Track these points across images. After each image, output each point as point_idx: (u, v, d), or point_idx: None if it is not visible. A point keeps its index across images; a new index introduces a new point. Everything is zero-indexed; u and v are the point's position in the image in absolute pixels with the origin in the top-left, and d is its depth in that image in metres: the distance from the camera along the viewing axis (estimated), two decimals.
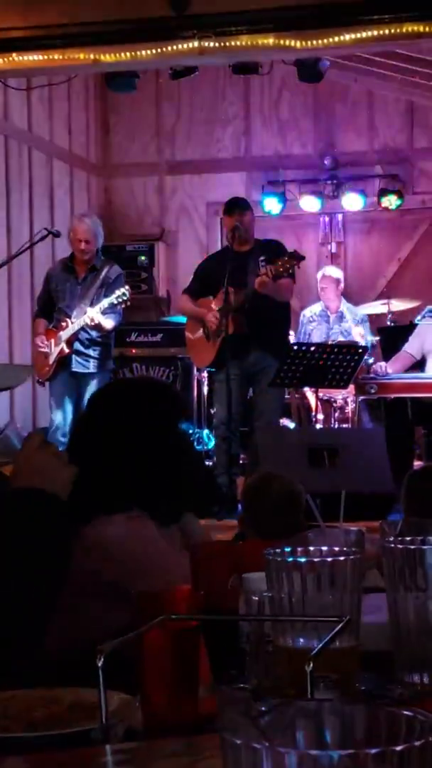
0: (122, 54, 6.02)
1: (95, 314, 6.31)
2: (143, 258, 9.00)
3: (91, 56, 6.05)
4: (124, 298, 6.41)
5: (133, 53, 6.00)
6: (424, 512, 2.65)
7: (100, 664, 1.19)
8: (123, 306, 6.49)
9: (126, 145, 9.45)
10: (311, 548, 1.37)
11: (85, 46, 6.04)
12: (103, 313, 6.36)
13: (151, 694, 1.30)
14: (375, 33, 5.72)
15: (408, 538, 1.39)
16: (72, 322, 6.39)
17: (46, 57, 6.11)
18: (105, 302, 6.37)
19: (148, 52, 5.99)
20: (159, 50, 5.98)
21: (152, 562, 2.01)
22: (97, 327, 6.38)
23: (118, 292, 6.40)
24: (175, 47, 5.95)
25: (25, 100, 8.18)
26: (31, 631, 1.74)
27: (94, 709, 1.27)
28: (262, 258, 6.23)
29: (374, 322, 7.99)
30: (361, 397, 6.68)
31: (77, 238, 6.52)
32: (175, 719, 1.28)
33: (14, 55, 6.06)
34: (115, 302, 6.38)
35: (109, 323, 6.42)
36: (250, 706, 0.63)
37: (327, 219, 9.12)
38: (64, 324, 6.42)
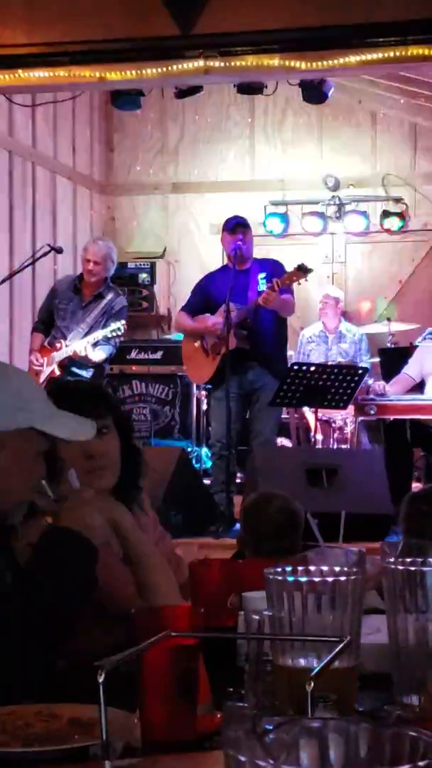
0: (128, 72, 6.05)
1: (83, 347, 6.32)
2: (145, 276, 9.01)
3: (97, 74, 6.08)
4: (119, 333, 6.39)
5: (138, 71, 6.03)
6: (423, 534, 2.65)
7: (100, 680, 1.18)
8: (118, 339, 6.48)
9: (130, 164, 9.48)
10: (312, 568, 1.37)
11: (90, 64, 6.07)
12: (96, 344, 6.36)
13: (151, 710, 1.30)
14: (380, 55, 5.75)
15: (408, 560, 1.39)
16: (66, 345, 6.39)
17: (51, 74, 6.13)
18: (99, 334, 6.36)
19: (154, 70, 6.03)
20: (164, 69, 6.01)
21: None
22: (84, 359, 6.38)
23: (113, 326, 6.37)
24: (180, 66, 5.98)
25: (30, 117, 8.22)
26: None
27: (93, 725, 1.27)
28: (262, 275, 6.26)
29: (374, 343, 8.00)
30: (361, 418, 6.68)
31: (86, 257, 6.52)
32: (174, 736, 1.28)
33: (20, 71, 6.09)
34: (109, 336, 6.38)
35: (98, 355, 6.41)
36: (255, 723, 0.64)
37: (329, 240, 9.14)
38: (58, 345, 6.42)
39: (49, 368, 6.41)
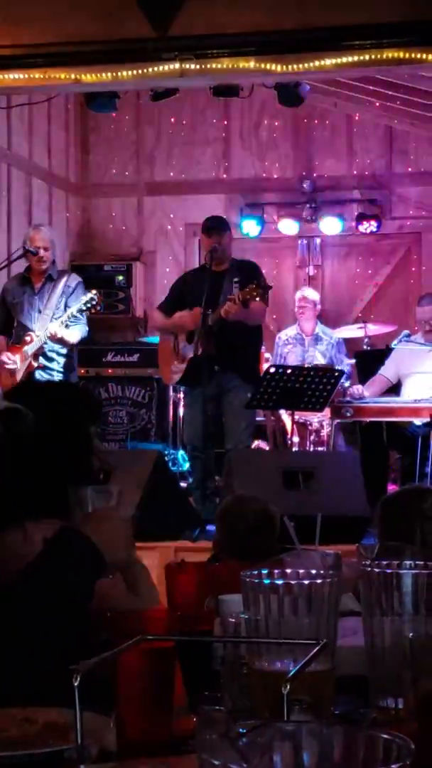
0: (103, 74, 6.03)
1: (57, 328, 6.25)
2: (121, 278, 8.99)
3: (72, 76, 6.06)
4: (93, 302, 6.27)
5: (114, 74, 6.02)
6: (398, 537, 2.66)
7: (75, 684, 1.18)
8: (91, 312, 6.37)
9: (105, 165, 9.47)
10: (288, 571, 1.37)
11: (66, 66, 6.05)
12: (68, 325, 6.29)
13: (126, 714, 1.30)
14: (355, 58, 5.77)
15: (385, 562, 1.40)
16: (36, 336, 6.32)
17: (26, 75, 6.11)
18: (73, 309, 6.29)
19: (129, 72, 6.01)
20: (140, 71, 6.00)
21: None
22: (60, 341, 6.30)
23: (84, 298, 6.28)
24: (156, 68, 5.97)
25: (5, 119, 8.18)
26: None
27: (68, 729, 1.26)
28: (236, 279, 6.23)
29: (350, 345, 8.02)
30: (337, 421, 6.70)
31: (35, 245, 6.45)
32: (149, 740, 1.27)
33: None
34: (84, 308, 6.29)
35: (73, 336, 6.31)
36: (228, 727, 0.63)
37: (305, 242, 9.16)
38: (28, 338, 6.34)
39: (25, 363, 6.35)
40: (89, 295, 6.30)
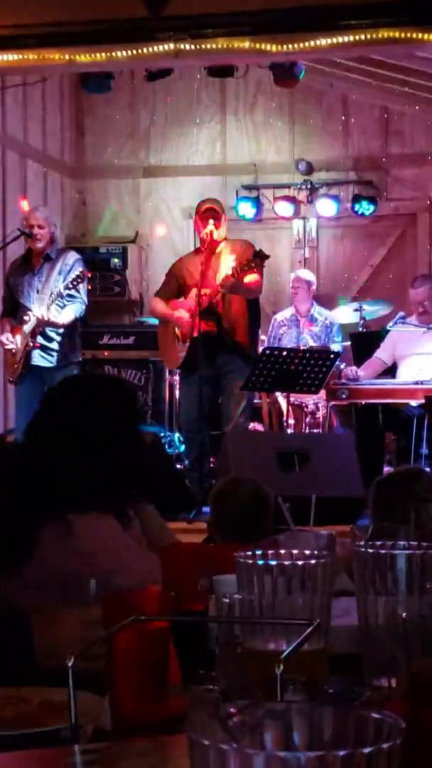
0: (97, 54, 6.01)
1: (44, 312, 6.25)
2: (117, 261, 8.97)
3: (66, 56, 6.04)
4: (78, 280, 6.23)
5: (108, 54, 5.99)
6: (392, 518, 2.66)
7: (69, 664, 1.18)
8: (81, 284, 6.31)
9: (100, 147, 9.43)
10: (282, 551, 1.37)
11: (60, 46, 6.02)
12: (64, 305, 6.28)
13: (121, 694, 1.30)
14: (351, 38, 5.74)
15: (378, 543, 1.40)
16: (34, 315, 6.32)
17: (20, 56, 6.08)
18: (60, 287, 6.27)
19: (124, 53, 5.99)
20: (134, 51, 5.98)
21: (119, 560, 2.02)
22: (50, 324, 6.31)
23: (71, 276, 6.30)
24: (150, 49, 5.95)
25: None
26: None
27: (63, 709, 1.27)
28: (231, 258, 6.25)
29: (346, 327, 8.02)
30: (332, 402, 6.70)
31: (30, 224, 6.44)
32: (144, 719, 1.28)
33: None
34: (70, 286, 6.26)
35: (65, 317, 6.29)
36: (218, 707, 0.63)
37: (300, 224, 9.14)
38: (26, 318, 6.35)
39: (23, 343, 6.35)
40: (75, 273, 6.30)
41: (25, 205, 7.69)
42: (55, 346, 6.37)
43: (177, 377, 7.29)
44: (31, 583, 1.99)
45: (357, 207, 8.83)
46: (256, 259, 6.07)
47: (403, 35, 5.73)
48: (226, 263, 6.23)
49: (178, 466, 6.77)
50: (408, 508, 2.68)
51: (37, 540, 2.01)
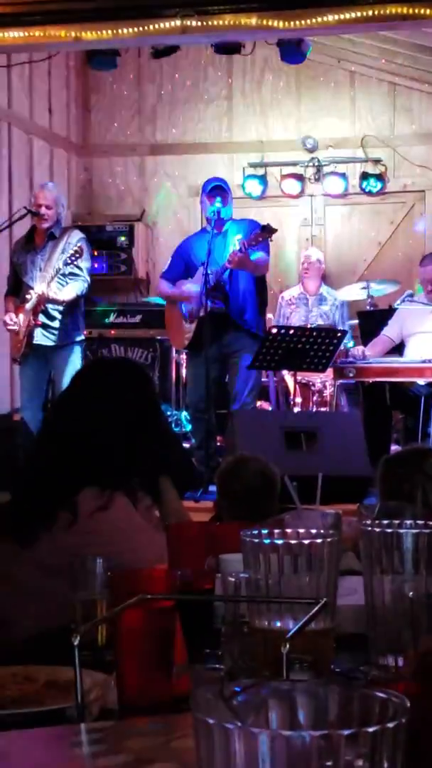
0: (103, 32, 5.97)
1: (44, 288, 6.24)
2: (123, 239, 8.95)
3: (72, 33, 6.00)
4: (77, 256, 6.21)
5: (114, 31, 5.96)
6: (399, 497, 2.66)
7: (75, 643, 1.18)
8: (80, 260, 6.26)
9: (107, 125, 9.39)
10: (288, 530, 1.37)
11: (66, 23, 5.99)
12: (65, 282, 6.27)
13: (127, 673, 1.30)
14: (358, 14, 5.70)
15: (385, 522, 1.39)
16: (35, 293, 6.31)
17: (26, 34, 6.05)
18: (59, 265, 6.26)
19: (130, 30, 5.95)
20: (140, 28, 5.94)
21: (127, 539, 2.02)
22: (51, 301, 6.29)
23: (71, 251, 6.29)
24: (156, 26, 5.91)
25: (5, 78, 8.11)
26: None
27: (69, 688, 1.27)
28: (238, 237, 6.24)
29: (353, 305, 8.00)
30: (340, 381, 6.69)
31: (38, 203, 6.42)
32: (150, 698, 1.28)
33: None
34: (69, 261, 6.25)
35: (66, 294, 6.28)
36: (223, 686, 0.63)
37: (308, 202, 9.11)
38: (28, 297, 6.34)
39: (25, 321, 6.34)
40: (72, 249, 6.28)
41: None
42: (56, 324, 6.35)
43: (183, 356, 7.29)
44: (42, 564, 2.00)
45: (364, 185, 8.80)
46: (264, 232, 6.06)
47: (411, 11, 5.69)
48: (233, 242, 6.21)
49: (185, 444, 6.77)
50: (415, 487, 2.68)
51: (51, 520, 2.03)
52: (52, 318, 6.35)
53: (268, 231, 6.09)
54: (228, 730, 0.59)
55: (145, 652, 1.30)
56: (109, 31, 5.98)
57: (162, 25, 5.90)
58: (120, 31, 5.96)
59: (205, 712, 0.61)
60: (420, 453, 2.97)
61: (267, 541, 1.33)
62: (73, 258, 6.24)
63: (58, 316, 6.35)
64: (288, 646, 1.14)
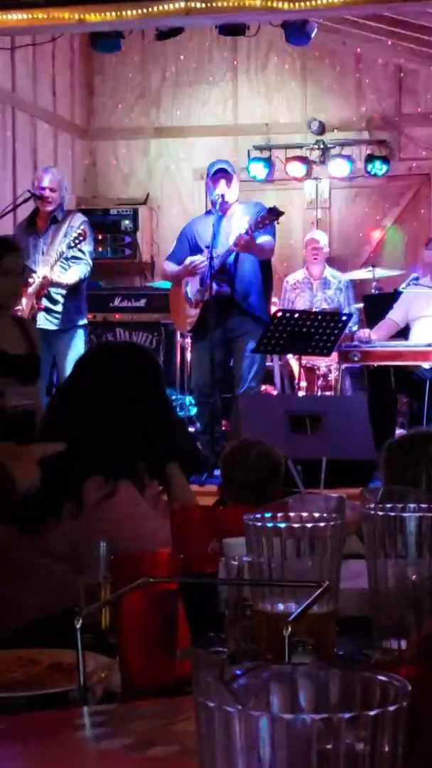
0: (107, 14, 5.94)
1: (48, 272, 6.23)
2: (127, 222, 8.94)
3: (76, 15, 5.98)
4: (80, 239, 6.19)
5: (118, 13, 5.93)
6: (403, 481, 2.66)
7: (78, 626, 1.18)
8: (83, 243, 6.25)
9: (111, 107, 9.36)
10: (291, 514, 1.37)
11: (69, 5, 5.96)
12: (67, 265, 6.26)
13: (130, 656, 1.30)
14: None
15: (389, 505, 1.39)
16: (38, 277, 6.30)
17: (29, 16, 6.03)
18: (63, 248, 6.24)
19: (134, 12, 5.92)
20: (144, 10, 5.91)
21: (133, 526, 2.02)
22: (55, 284, 6.28)
23: (74, 235, 6.29)
24: (160, 7, 5.88)
25: (9, 60, 8.08)
26: None
27: (73, 671, 1.27)
28: (244, 219, 6.22)
29: (359, 288, 7.98)
30: (345, 365, 6.68)
31: (41, 185, 6.40)
32: (153, 681, 1.28)
33: None
34: (72, 245, 6.23)
35: (70, 276, 6.26)
36: (224, 669, 0.63)
37: (313, 185, 9.08)
38: (31, 280, 6.33)
39: (29, 304, 6.33)
40: (75, 233, 6.26)
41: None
42: (59, 308, 6.34)
43: (188, 340, 7.28)
44: (48, 551, 2.00)
45: (370, 167, 8.76)
46: (271, 215, 6.05)
47: None
48: (239, 225, 6.20)
49: (190, 429, 6.77)
50: (419, 471, 2.67)
51: (57, 512, 2.02)
52: (54, 302, 6.34)
53: (274, 214, 6.08)
54: (229, 713, 0.59)
55: (149, 635, 1.31)
56: (113, 13, 5.95)
57: (166, 6, 5.87)
58: (124, 13, 5.93)
59: (205, 696, 0.61)
60: (424, 437, 2.96)
61: (270, 525, 1.33)
62: (77, 241, 6.22)
63: (61, 300, 6.34)
64: (290, 629, 1.14)
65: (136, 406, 2.15)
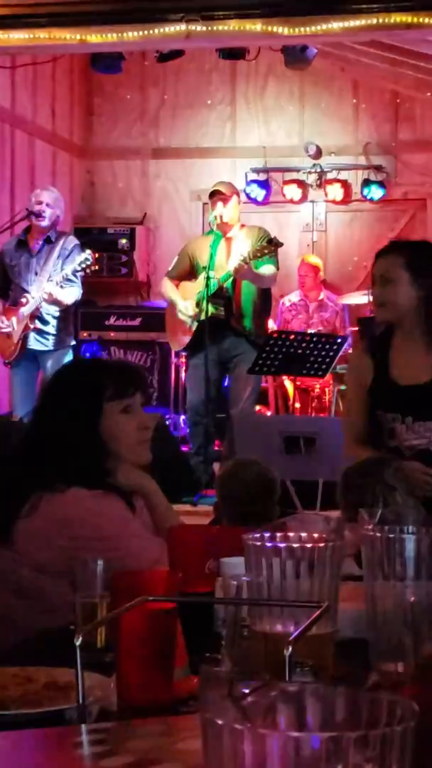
0: (108, 35, 5.98)
1: (53, 289, 6.23)
2: (124, 241, 8.96)
3: (77, 36, 6.01)
4: (88, 262, 6.23)
5: (119, 34, 5.96)
6: (360, 506, 2.60)
7: (77, 643, 1.18)
8: (87, 272, 6.33)
9: (110, 128, 9.40)
10: (291, 534, 1.37)
11: (71, 26, 5.99)
12: (63, 286, 6.27)
13: (127, 674, 1.30)
14: (363, 22, 5.71)
15: (387, 527, 1.39)
16: (32, 297, 6.30)
17: (31, 35, 6.06)
18: (68, 270, 6.26)
19: (135, 33, 5.96)
20: (145, 32, 5.95)
21: (121, 541, 2.02)
22: (56, 302, 6.29)
23: (79, 258, 6.24)
24: (161, 30, 5.92)
25: (9, 79, 8.11)
26: None
27: (69, 689, 1.27)
28: (245, 243, 6.23)
29: (354, 312, 8.00)
30: (339, 387, 6.69)
31: (38, 200, 6.40)
32: (150, 700, 1.28)
33: None
34: (79, 269, 6.25)
35: (68, 297, 6.27)
36: (232, 687, 0.63)
37: (309, 208, 9.11)
38: (24, 300, 6.32)
39: (21, 325, 6.33)
40: (83, 256, 6.28)
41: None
42: (51, 329, 6.36)
43: (183, 359, 7.29)
44: (20, 552, 2.02)
45: (366, 191, 8.80)
46: (269, 245, 6.05)
47: (415, 20, 5.70)
48: (240, 250, 6.19)
49: (183, 448, 6.77)
50: (376, 497, 2.63)
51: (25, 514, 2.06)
52: (46, 323, 6.35)
53: (273, 245, 6.08)
54: (237, 731, 0.59)
55: (146, 653, 1.30)
56: (114, 35, 5.98)
57: (167, 29, 5.91)
58: (125, 34, 5.97)
59: (214, 713, 0.61)
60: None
61: (269, 545, 1.33)
62: (83, 265, 6.24)
63: (52, 321, 6.35)
64: (290, 649, 1.14)
65: (67, 421, 2.17)
